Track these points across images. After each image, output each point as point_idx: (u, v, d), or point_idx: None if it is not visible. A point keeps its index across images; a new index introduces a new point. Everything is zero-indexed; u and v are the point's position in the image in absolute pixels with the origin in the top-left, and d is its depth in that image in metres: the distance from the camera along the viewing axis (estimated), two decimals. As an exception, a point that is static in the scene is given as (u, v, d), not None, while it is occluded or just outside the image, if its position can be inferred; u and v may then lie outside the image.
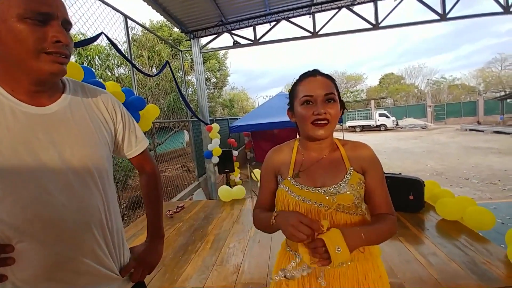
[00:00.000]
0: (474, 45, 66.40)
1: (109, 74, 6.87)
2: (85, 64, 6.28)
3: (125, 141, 0.78)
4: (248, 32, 5.84)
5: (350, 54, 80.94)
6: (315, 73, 0.80)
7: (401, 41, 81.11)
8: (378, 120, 21.59)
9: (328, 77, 0.81)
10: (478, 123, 20.56)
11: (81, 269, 0.60)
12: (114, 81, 6.12)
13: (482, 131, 15.43)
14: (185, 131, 9.79)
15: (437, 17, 5.21)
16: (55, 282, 0.57)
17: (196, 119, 5.71)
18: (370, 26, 5.37)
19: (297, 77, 0.84)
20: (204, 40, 6.08)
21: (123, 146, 0.78)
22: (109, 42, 3.13)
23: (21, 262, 0.53)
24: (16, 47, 0.52)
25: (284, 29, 5.82)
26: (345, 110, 0.87)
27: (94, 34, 2.81)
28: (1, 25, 0.51)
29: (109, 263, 0.66)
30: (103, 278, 0.65)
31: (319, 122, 0.76)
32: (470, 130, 16.66)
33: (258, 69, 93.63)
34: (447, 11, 5.11)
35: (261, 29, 5.78)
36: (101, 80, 2.51)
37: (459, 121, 22.39)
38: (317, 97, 0.76)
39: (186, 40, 6.14)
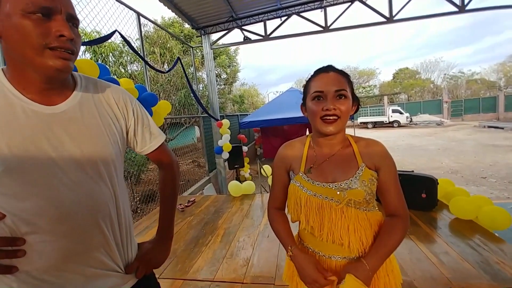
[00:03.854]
0: (497, 37, 63.23)
1: (123, 70, 7.02)
2: (100, 61, 6.44)
3: (138, 137, 0.76)
4: (258, 28, 5.81)
5: (365, 49, 78.92)
6: (328, 69, 0.80)
7: (419, 33, 78.06)
8: (391, 116, 21.02)
9: (342, 73, 0.80)
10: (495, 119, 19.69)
11: (89, 261, 0.62)
12: (127, 77, 6.26)
13: (502, 128, 14.76)
14: (196, 127, 9.90)
15: (455, 9, 5.00)
16: (66, 272, 0.59)
17: (206, 115, 5.76)
18: (384, 20, 5.22)
19: (311, 73, 0.84)
20: (214, 36, 6.09)
21: (136, 142, 0.77)
22: (122, 40, 3.19)
23: (34, 253, 0.55)
24: (20, 43, 0.51)
25: (295, 23, 5.76)
26: (359, 107, 0.86)
27: (108, 32, 2.89)
28: (6, 21, 0.51)
29: (116, 257, 0.68)
30: (111, 271, 0.67)
31: (328, 118, 0.76)
32: (489, 127, 15.97)
33: (269, 64, 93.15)
34: (466, 3, 4.89)
35: (271, 24, 5.75)
36: (115, 77, 2.58)
37: (478, 118, 21.49)
38: (327, 93, 0.76)
39: (197, 36, 6.19)
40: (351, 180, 0.77)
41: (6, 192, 0.53)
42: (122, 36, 3.06)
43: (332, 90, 0.76)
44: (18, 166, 0.53)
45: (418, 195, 2.32)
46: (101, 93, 0.70)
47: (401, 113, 20.97)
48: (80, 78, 0.68)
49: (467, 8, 4.91)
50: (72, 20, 0.57)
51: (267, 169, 4.71)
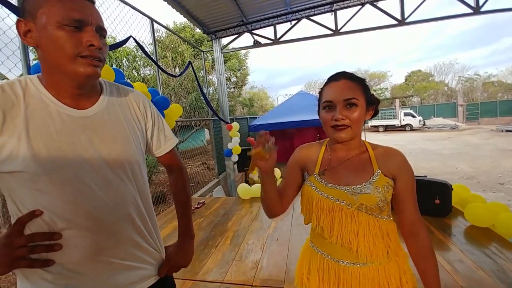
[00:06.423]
0: (514, 38, 60.97)
1: (136, 74, 7.21)
2: (114, 66, 6.64)
3: (154, 139, 0.81)
4: (268, 32, 5.84)
5: (377, 51, 77.91)
6: (338, 77, 0.80)
7: (433, 35, 76.37)
8: (403, 119, 20.60)
9: (354, 78, 0.80)
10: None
11: (120, 254, 0.67)
12: (140, 81, 6.41)
13: (521, 132, 14.23)
14: (206, 130, 10.01)
15: (469, 11, 4.88)
16: (98, 264, 0.64)
17: (216, 117, 5.82)
18: (396, 22, 5.16)
19: (325, 79, 0.85)
20: (225, 41, 6.18)
21: (152, 144, 0.81)
22: (136, 45, 3.29)
23: (69, 247, 0.59)
24: (55, 52, 0.57)
25: (305, 27, 5.76)
26: (377, 111, 0.85)
27: (123, 38, 2.98)
28: (43, 32, 0.57)
29: (145, 250, 0.73)
30: (140, 263, 0.72)
31: (338, 127, 0.77)
32: (507, 131, 15.39)
33: (279, 67, 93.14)
34: (480, 4, 4.77)
35: (281, 28, 5.76)
36: (129, 81, 2.65)
37: (495, 121, 20.77)
38: (336, 103, 0.77)
39: (207, 41, 6.29)
40: (364, 185, 0.76)
41: (44, 191, 0.57)
42: (136, 41, 3.15)
43: (341, 99, 0.76)
44: (55, 166, 0.58)
45: (432, 200, 2.28)
46: (124, 97, 0.76)
47: (413, 116, 20.51)
48: (105, 84, 0.73)
49: (482, 9, 4.79)
50: (101, 31, 0.63)
51: (276, 172, 4.70)
